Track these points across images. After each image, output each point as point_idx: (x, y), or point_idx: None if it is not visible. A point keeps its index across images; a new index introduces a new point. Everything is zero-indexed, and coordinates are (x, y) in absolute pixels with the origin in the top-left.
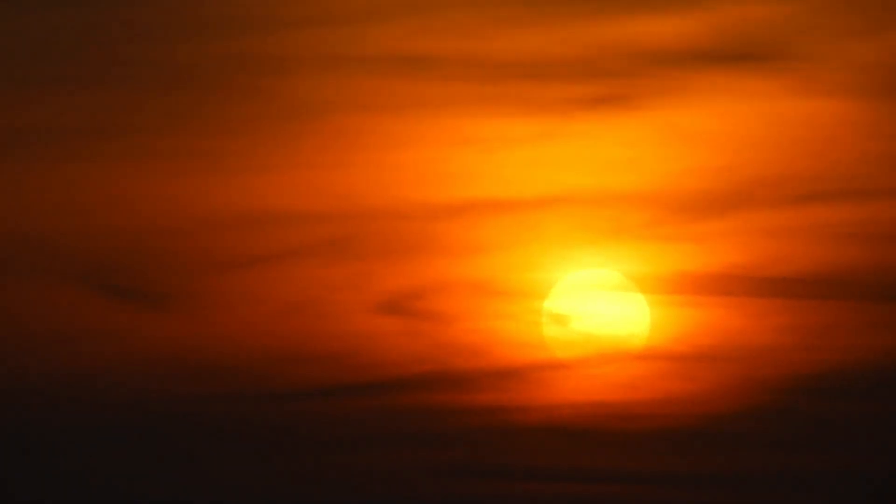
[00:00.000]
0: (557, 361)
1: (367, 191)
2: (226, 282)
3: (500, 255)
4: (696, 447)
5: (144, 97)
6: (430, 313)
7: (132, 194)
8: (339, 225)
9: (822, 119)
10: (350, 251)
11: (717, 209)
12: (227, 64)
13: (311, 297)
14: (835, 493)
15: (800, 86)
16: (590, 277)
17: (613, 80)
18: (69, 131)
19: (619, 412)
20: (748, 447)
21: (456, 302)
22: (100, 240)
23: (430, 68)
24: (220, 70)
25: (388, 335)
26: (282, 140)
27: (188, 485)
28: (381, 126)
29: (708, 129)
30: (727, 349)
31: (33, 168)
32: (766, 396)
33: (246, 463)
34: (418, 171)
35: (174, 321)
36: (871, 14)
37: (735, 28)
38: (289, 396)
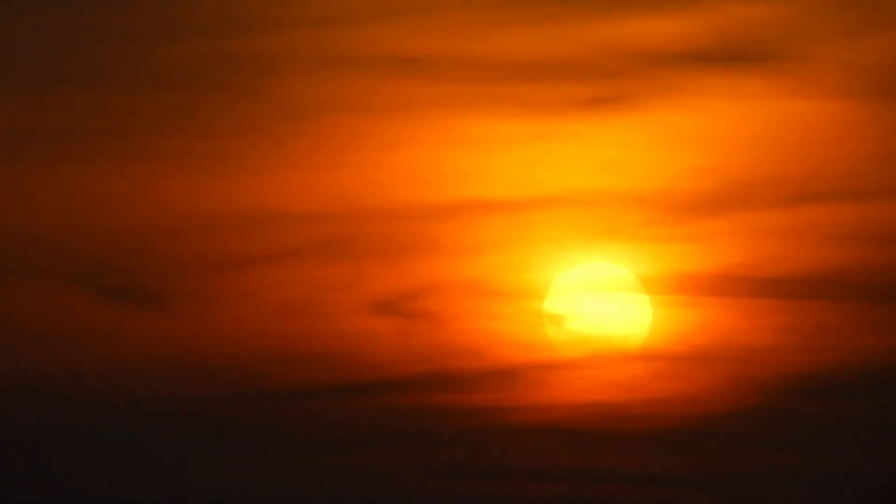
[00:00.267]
0: (554, 362)
1: (362, 191)
2: (222, 282)
3: (496, 256)
4: (693, 447)
5: (140, 98)
6: (426, 313)
7: (128, 195)
8: (335, 225)
9: (819, 119)
10: (346, 251)
11: (714, 209)
12: (222, 65)
13: (307, 298)
14: (833, 494)
15: (796, 86)
16: (586, 278)
17: (609, 80)
18: (65, 132)
19: (616, 412)
20: (746, 447)
21: (452, 302)
22: (96, 240)
23: (426, 69)
24: (215, 71)
25: (384, 335)
26: (278, 140)
27: (185, 485)
28: (377, 126)
29: (704, 130)
30: (724, 349)
31: (29, 168)
32: (763, 397)
33: (241, 463)
34: (414, 172)
35: (170, 321)
36: (866, 15)
37: (731, 29)
38: (285, 397)
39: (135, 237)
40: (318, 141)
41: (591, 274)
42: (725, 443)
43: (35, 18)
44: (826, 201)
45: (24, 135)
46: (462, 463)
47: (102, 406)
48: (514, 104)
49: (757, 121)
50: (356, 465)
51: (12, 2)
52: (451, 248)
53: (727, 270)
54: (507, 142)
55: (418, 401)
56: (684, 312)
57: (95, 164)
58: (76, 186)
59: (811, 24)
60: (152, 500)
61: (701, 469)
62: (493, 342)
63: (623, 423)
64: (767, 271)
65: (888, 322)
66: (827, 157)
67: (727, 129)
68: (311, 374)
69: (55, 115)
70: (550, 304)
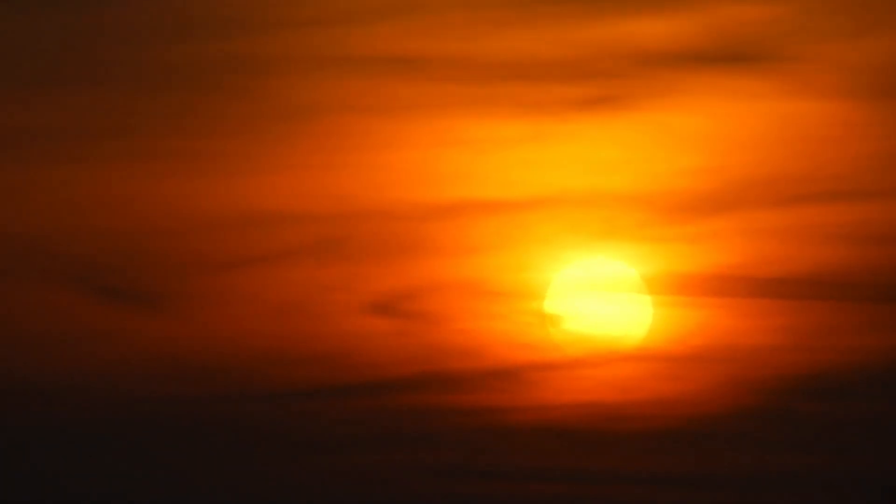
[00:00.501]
0: (552, 362)
1: (359, 191)
2: (219, 282)
3: (492, 256)
4: (692, 448)
5: (137, 98)
6: (422, 314)
7: (124, 195)
8: (332, 225)
9: (814, 120)
10: (342, 252)
11: (710, 209)
12: (218, 65)
13: (304, 298)
14: (833, 495)
15: (792, 87)
16: (584, 278)
17: (605, 80)
18: (62, 132)
19: (612, 413)
20: (745, 448)
21: (448, 302)
22: (92, 240)
23: (422, 69)
24: (211, 71)
25: (380, 336)
26: (273, 141)
27: (182, 486)
28: (373, 127)
29: (700, 130)
30: (721, 350)
31: (25, 168)
32: (760, 397)
33: (238, 464)
34: (410, 172)
35: (166, 321)
36: (862, 15)
37: (726, 29)
38: (282, 397)
39: (132, 237)
40: (314, 141)
41: (589, 274)
42: (724, 443)
43: (32, 18)
44: (824, 201)
45: (21, 135)
46: (459, 463)
47: (100, 407)
48: (511, 104)
49: (754, 121)
50: (353, 466)
51: (11, 2)
52: (448, 249)
53: (725, 270)
54: (503, 142)
55: (416, 401)
56: (683, 312)
57: (92, 164)
58: (73, 186)
59: (808, 24)
60: (149, 500)
61: (700, 469)
62: (491, 342)
63: (621, 424)
64: (765, 271)
65: (888, 322)
66: (825, 157)
67: (724, 130)
68: (308, 374)
69: (52, 115)
70: (548, 305)
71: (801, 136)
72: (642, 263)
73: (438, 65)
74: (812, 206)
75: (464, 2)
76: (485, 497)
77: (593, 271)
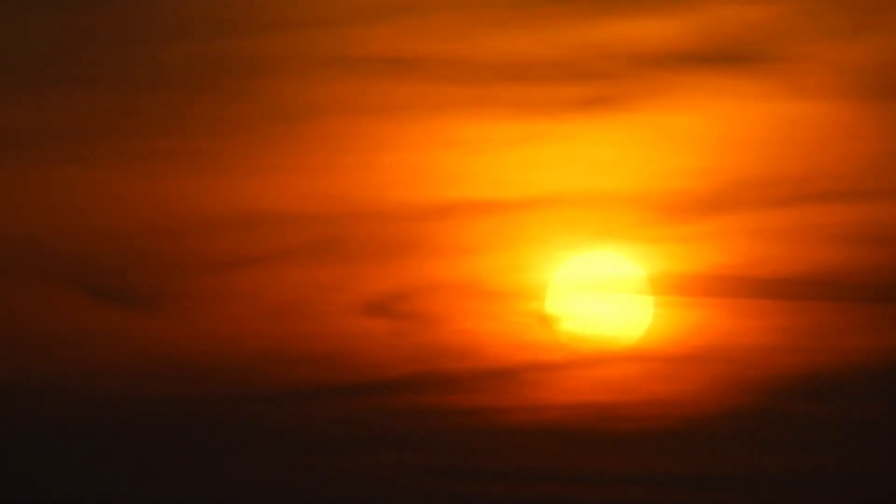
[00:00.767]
0: (549, 362)
1: (354, 192)
2: (215, 283)
3: (487, 256)
4: (689, 448)
5: (134, 98)
6: (419, 314)
7: (121, 196)
8: (327, 226)
9: (809, 120)
10: (337, 252)
11: (706, 210)
12: (215, 65)
13: (298, 299)
14: (832, 495)
15: (787, 87)
16: (580, 278)
17: (600, 81)
18: (60, 132)
19: (608, 413)
20: (738, 448)
21: (445, 303)
22: (89, 240)
23: (417, 70)
24: (207, 72)
25: (377, 336)
26: (269, 142)
27: (181, 486)
28: (369, 128)
29: (695, 131)
30: (717, 350)
31: (23, 169)
32: (758, 397)
33: (235, 464)
34: (405, 173)
35: (162, 322)
36: (857, 16)
37: (722, 30)
38: (276, 398)
39: (130, 237)
40: (309, 142)
41: (586, 274)
42: (723, 443)
43: (30, 18)
44: (822, 202)
45: (20, 135)
46: (454, 463)
47: (100, 407)
48: (508, 105)
49: (748, 121)
50: (350, 466)
51: (9, 2)
52: (444, 249)
53: (723, 271)
54: (500, 142)
55: (413, 401)
56: (680, 313)
57: (90, 164)
58: (72, 186)
59: (806, 25)
60: (149, 500)
61: (698, 470)
62: (488, 342)
63: (619, 424)
64: (764, 271)
65: (887, 322)
66: (823, 157)
67: (721, 130)
68: (304, 374)
69: (51, 115)
70: (545, 305)
71: (799, 137)
72: (640, 264)
73: (435, 65)
74: (810, 206)
75: (459, 2)
76: (483, 497)
77: (590, 271)
